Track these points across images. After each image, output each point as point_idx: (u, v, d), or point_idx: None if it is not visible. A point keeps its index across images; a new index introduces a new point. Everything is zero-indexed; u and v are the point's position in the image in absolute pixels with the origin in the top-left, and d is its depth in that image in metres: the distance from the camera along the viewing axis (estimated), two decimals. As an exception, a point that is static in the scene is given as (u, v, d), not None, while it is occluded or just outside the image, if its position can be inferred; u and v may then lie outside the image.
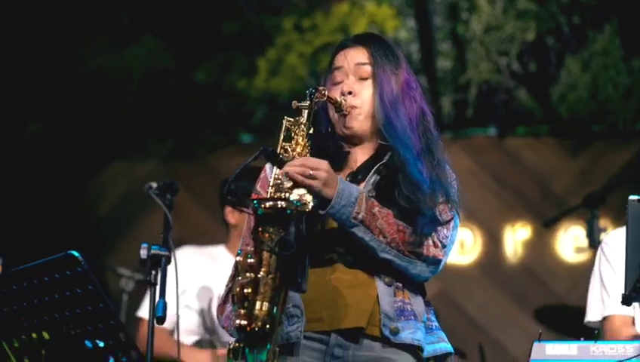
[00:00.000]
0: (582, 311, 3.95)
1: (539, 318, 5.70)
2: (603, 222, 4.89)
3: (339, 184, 2.76)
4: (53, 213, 6.54)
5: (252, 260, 2.62)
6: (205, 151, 6.84)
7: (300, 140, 2.80)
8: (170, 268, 3.48)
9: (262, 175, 3.01)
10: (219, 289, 3.84)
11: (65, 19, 6.67)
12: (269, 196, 2.70)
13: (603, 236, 4.28)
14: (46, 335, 3.36)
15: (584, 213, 5.02)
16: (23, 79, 6.48)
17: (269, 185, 2.76)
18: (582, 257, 6.38)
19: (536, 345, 3.09)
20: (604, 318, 3.76)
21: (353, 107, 2.94)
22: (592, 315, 3.82)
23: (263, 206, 2.63)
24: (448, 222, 2.90)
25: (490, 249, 6.59)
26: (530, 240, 6.59)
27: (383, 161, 2.94)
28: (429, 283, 2.96)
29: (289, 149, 2.79)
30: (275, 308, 2.62)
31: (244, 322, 2.60)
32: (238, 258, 2.64)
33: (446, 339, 2.96)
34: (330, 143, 2.96)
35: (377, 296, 2.83)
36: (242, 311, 2.61)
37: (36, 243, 4.76)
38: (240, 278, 2.62)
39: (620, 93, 6.61)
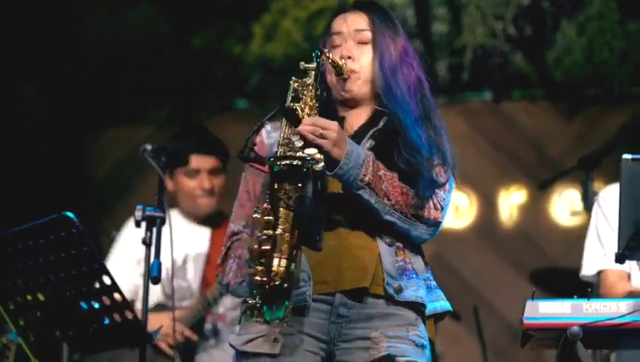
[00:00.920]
0: (576, 274, 3.96)
1: (533, 281, 5.71)
2: (598, 185, 4.89)
3: (348, 145, 2.77)
4: (50, 176, 6.54)
5: (270, 217, 2.63)
6: (202, 117, 6.82)
7: (308, 100, 2.80)
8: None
9: (257, 139, 3.00)
10: (176, 253, 3.91)
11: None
12: (280, 155, 2.71)
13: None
14: (41, 297, 3.37)
15: (579, 176, 5.02)
16: (17, 43, 6.45)
17: (277, 146, 2.75)
18: (577, 221, 6.38)
19: (529, 303, 3.11)
20: (600, 272, 3.78)
21: (352, 71, 2.95)
22: (588, 269, 3.84)
23: (279, 163, 2.64)
24: (444, 184, 2.92)
25: (486, 212, 6.60)
26: (525, 204, 6.59)
27: (379, 127, 2.95)
28: (425, 247, 2.98)
29: (298, 109, 2.79)
30: (292, 265, 2.64)
31: (264, 279, 2.62)
32: (255, 215, 2.66)
33: (444, 298, 3.00)
34: (327, 107, 2.94)
35: (379, 255, 2.85)
36: (260, 268, 2.63)
37: (33, 207, 4.75)
38: (258, 235, 2.64)
39: (616, 56, 6.59)
